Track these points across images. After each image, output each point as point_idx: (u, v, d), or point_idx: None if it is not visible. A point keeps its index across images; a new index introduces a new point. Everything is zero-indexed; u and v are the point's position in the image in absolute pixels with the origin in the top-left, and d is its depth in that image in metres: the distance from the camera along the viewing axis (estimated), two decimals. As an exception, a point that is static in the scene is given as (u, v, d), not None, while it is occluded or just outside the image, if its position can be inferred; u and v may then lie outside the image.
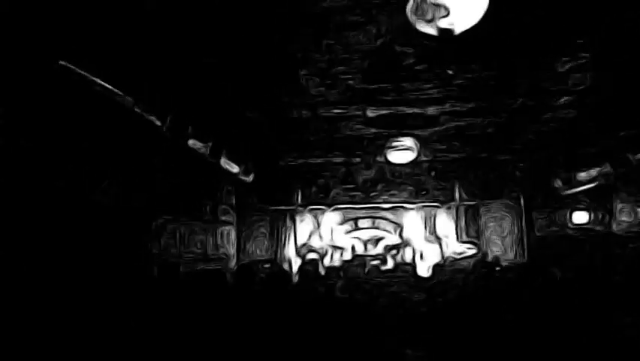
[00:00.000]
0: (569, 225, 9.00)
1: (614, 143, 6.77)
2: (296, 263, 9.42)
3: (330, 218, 9.94)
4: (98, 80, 3.98)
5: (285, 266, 9.28)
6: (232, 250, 9.19)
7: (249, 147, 7.82)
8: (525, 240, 9.31)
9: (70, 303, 3.71)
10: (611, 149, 6.91)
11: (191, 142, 5.75)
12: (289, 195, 9.65)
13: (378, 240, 9.90)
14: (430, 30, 3.12)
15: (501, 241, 9.47)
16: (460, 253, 9.42)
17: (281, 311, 3.97)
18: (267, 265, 8.50)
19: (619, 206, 8.44)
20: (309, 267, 6.82)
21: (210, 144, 6.27)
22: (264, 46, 4.27)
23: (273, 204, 9.66)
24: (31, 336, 3.26)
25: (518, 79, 5.10)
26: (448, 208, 9.81)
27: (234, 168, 7.58)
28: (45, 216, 3.85)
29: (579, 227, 8.93)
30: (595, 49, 4.38)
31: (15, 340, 3.15)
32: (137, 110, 4.55)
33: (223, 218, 8.73)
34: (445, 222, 9.87)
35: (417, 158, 7.74)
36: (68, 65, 3.53)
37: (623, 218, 8.34)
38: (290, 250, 9.69)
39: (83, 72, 3.78)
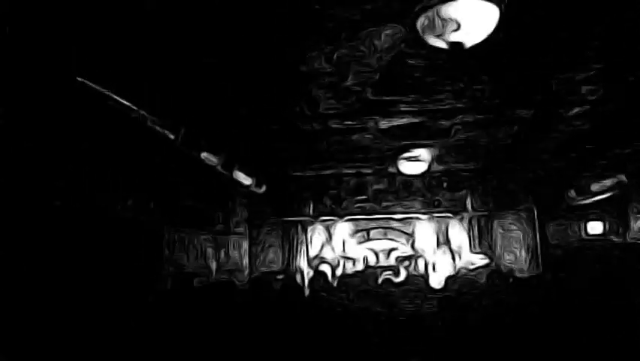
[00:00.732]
0: (584, 235, 8.92)
1: (628, 153, 6.72)
2: (308, 274, 9.41)
3: (342, 229, 9.94)
4: (112, 95, 4.04)
5: (298, 277, 9.28)
6: (245, 262, 9.21)
7: (261, 159, 7.86)
8: (539, 251, 9.24)
9: (84, 315, 3.74)
10: (625, 159, 6.86)
11: (204, 155, 5.80)
12: (301, 206, 9.67)
13: (390, 251, 9.87)
14: (440, 44, 3.14)
15: (514, 252, 9.40)
16: (473, 264, 9.36)
17: (294, 323, 3.97)
18: (279, 277, 8.50)
19: (634, 216, 8.36)
20: (321, 278, 6.80)
21: (223, 156, 6.31)
22: (276, 59, 4.30)
23: (285, 215, 9.68)
24: (42, 348, 3.28)
25: (531, 90, 5.09)
26: (461, 219, 9.76)
27: (247, 180, 7.62)
28: (59, 230, 3.89)
29: (594, 237, 8.84)
30: (608, 59, 4.37)
31: (25, 352, 3.18)
32: (150, 123, 4.61)
33: (235, 230, 8.77)
34: (458, 233, 9.82)
35: (429, 169, 7.73)
36: (84, 81, 3.59)
37: (638, 228, 8.25)
38: (302, 262, 9.69)
39: (97, 87, 3.84)
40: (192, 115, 5.28)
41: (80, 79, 3.56)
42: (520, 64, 4.44)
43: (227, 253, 8.21)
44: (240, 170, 7.16)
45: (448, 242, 9.82)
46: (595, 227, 8.80)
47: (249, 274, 9.02)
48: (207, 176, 6.57)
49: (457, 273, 8.84)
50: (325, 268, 9.39)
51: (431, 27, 3.02)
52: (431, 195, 9.59)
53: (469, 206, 9.65)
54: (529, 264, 9.23)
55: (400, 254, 9.75)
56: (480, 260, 9.38)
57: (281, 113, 5.81)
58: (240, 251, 8.99)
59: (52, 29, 3.29)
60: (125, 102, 4.21)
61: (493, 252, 9.51)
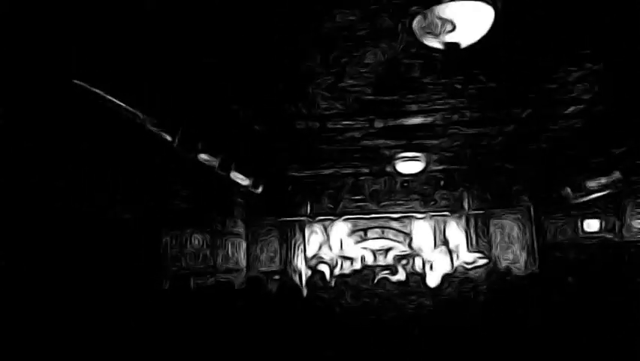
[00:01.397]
0: (580, 233, 8.95)
1: (623, 151, 6.75)
2: (306, 274, 9.42)
3: (340, 229, 9.95)
4: (109, 96, 4.04)
5: (295, 277, 9.29)
6: (242, 262, 9.22)
7: (258, 160, 7.87)
8: (536, 248, 9.27)
9: (82, 316, 3.74)
10: (620, 157, 6.89)
11: (201, 156, 5.81)
12: (298, 206, 9.68)
13: (387, 250, 9.89)
14: (436, 44, 3.15)
15: (511, 250, 9.43)
16: (470, 263, 9.38)
17: (291, 322, 3.98)
18: (277, 277, 8.52)
19: (630, 213, 8.38)
20: (318, 278, 6.81)
21: (220, 157, 6.32)
22: (273, 60, 4.31)
23: (282, 215, 9.69)
24: (42, 349, 3.29)
25: (526, 89, 5.11)
26: (458, 218, 9.79)
27: (244, 181, 7.63)
28: (57, 231, 3.89)
29: (590, 235, 8.87)
30: (603, 58, 4.39)
31: (24, 353, 3.18)
32: (147, 125, 4.61)
33: (233, 230, 8.77)
34: (455, 232, 9.84)
35: (426, 168, 7.74)
36: (81, 84, 3.59)
37: (635, 225, 8.28)
38: (300, 261, 9.71)
39: (94, 89, 3.84)
40: (189, 116, 5.28)
41: (77, 82, 3.56)
42: (516, 63, 4.46)
43: (225, 254, 8.21)
44: (238, 170, 7.16)
45: (445, 241, 9.85)
46: (591, 225, 8.83)
47: (247, 274, 9.03)
48: (205, 177, 6.58)
49: (455, 271, 8.86)
50: (323, 267, 9.40)
51: (427, 28, 3.03)
52: (428, 194, 9.61)
53: (466, 205, 9.67)
54: (526, 262, 9.26)
55: (398, 253, 9.77)
56: (477, 259, 9.41)
57: (278, 114, 5.82)
58: (238, 251, 8.99)
59: (50, 31, 3.29)
60: (122, 104, 4.21)
61: (491, 250, 9.54)
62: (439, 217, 9.86)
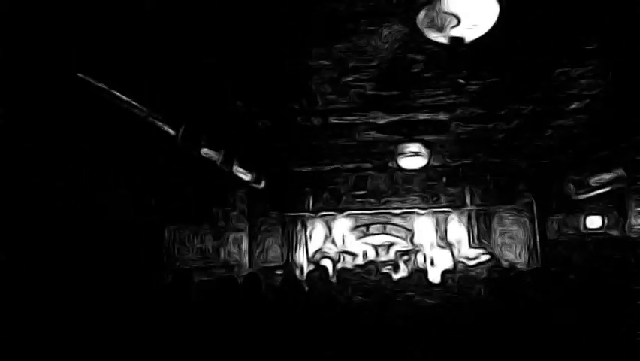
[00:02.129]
0: (582, 229, 8.93)
1: (626, 147, 6.73)
2: (308, 269, 9.43)
3: (342, 224, 9.96)
4: (113, 91, 4.04)
5: (297, 272, 9.30)
6: (244, 257, 9.23)
7: (261, 155, 7.87)
8: (538, 245, 9.26)
9: (85, 310, 3.75)
10: (624, 153, 6.87)
11: (203, 151, 5.81)
12: (301, 201, 9.68)
13: (389, 246, 9.90)
14: (441, 39, 3.14)
15: (513, 246, 9.43)
16: (472, 259, 9.38)
17: (293, 317, 3.99)
18: (279, 272, 8.52)
19: (633, 210, 8.37)
20: (320, 273, 6.81)
21: (223, 152, 6.32)
22: (275, 55, 4.31)
23: (284, 210, 9.70)
24: (44, 347, 3.30)
25: (530, 84, 5.09)
26: (460, 214, 9.78)
27: (246, 176, 7.63)
28: (60, 227, 3.90)
29: (592, 232, 8.85)
30: (607, 54, 4.37)
31: (26, 351, 3.19)
32: (150, 119, 4.61)
33: (235, 225, 8.78)
34: (457, 228, 9.84)
35: (428, 164, 7.73)
36: (84, 77, 3.59)
37: (637, 222, 8.27)
38: (302, 256, 9.72)
39: (97, 83, 3.84)
40: (193, 111, 5.29)
41: (80, 75, 3.56)
42: (520, 59, 4.45)
43: (227, 249, 8.22)
44: (240, 165, 7.17)
45: (447, 237, 9.85)
46: (594, 221, 8.81)
47: (249, 269, 9.04)
48: (207, 172, 6.58)
49: (456, 267, 8.87)
50: (325, 262, 9.41)
51: (431, 22, 3.02)
52: (430, 190, 9.61)
53: (468, 201, 9.66)
54: (528, 258, 9.26)
55: (400, 249, 9.78)
56: (479, 255, 9.41)
57: (281, 109, 5.81)
58: (240, 247, 9.01)
59: (55, 25, 3.29)
60: (125, 98, 4.21)
61: (492, 246, 9.54)
62: (441, 213, 9.86)
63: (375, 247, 9.89)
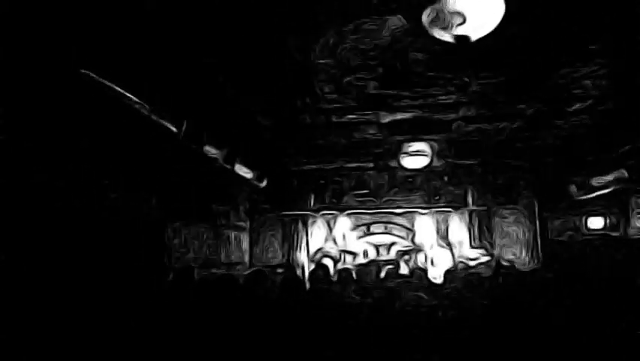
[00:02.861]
0: (584, 230, 8.92)
1: (628, 148, 6.73)
2: (308, 268, 9.43)
3: (343, 223, 9.95)
4: (115, 87, 4.03)
5: (298, 271, 9.29)
6: (245, 256, 9.23)
7: (263, 153, 7.87)
8: (539, 245, 9.25)
9: (86, 308, 3.75)
10: (626, 154, 6.87)
11: (206, 148, 5.80)
12: (302, 200, 9.67)
13: (390, 245, 9.88)
14: (446, 37, 3.13)
15: (515, 247, 9.42)
16: (473, 259, 9.37)
17: (294, 316, 3.98)
18: (279, 271, 8.52)
19: (634, 211, 8.36)
20: (321, 272, 6.81)
21: (225, 150, 6.32)
22: (278, 53, 4.30)
23: (286, 209, 9.68)
24: (44, 346, 3.29)
25: (532, 85, 5.09)
26: (461, 214, 9.77)
27: (248, 174, 7.62)
28: (62, 224, 3.89)
29: (594, 232, 8.85)
30: (610, 54, 4.37)
31: (26, 349, 3.19)
32: (153, 117, 4.61)
33: (236, 223, 8.78)
34: (458, 228, 9.83)
35: (430, 163, 7.73)
36: (87, 73, 3.59)
37: (639, 223, 8.26)
38: (303, 255, 9.71)
39: (100, 79, 3.84)
40: (195, 108, 5.28)
41: (83, 71, 3.56)
42: (523, 59, 4.44)
43: (228, 247, 8.22)
44: (242, 164, 7.16)
45: (448, 237, 9.84)
46: (595, 222, 8.81)
47: (250, 268, 9.03)
48: (209, 170, 6.58)
49: (457, 267, 8.86)
50: (326, 262, 9.40)
51: (437, 20, 3.01)
52: (432, 189, 9.60)
53: (469, 201, 9.65)
54: (530, 258, 9.24)
55: (401, 248, 9.77)
56: (480, 255, 9.40)
57: (283, 107, 5.81)
58: (241, 245, 9.00)
59: (56, 22, 3.29)
60: (128, 95, 4.20)
61: (494, 246, 9.52)
62: (442, 213, 9.84)
63: (376, 247, 9.87)
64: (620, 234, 8.60)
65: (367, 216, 9.93)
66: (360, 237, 9.96)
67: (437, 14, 2.96)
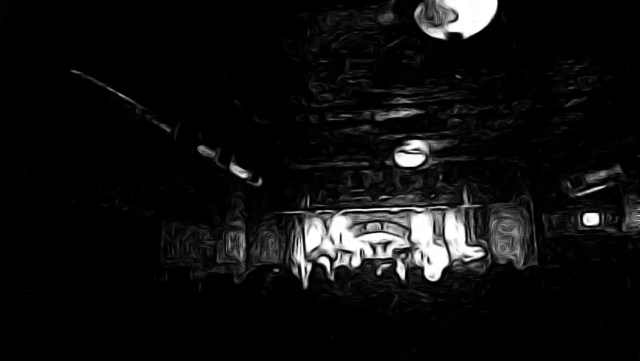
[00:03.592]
0: (580, 227, 8.94)
1: (624, 144, 6.74)
2: (305, 267, 9.42)
3: (339, 222, 9.94)
4: (109, 88, 4.02)
5: (295, 270, 9.28)
6: (241, 255, 9.21)
7: (258, 153, 7.85)
8: (535, 242, 9.27)
9: (81, 308, 3.73)
10: (621, 150, 6.88)
11: (200, 148, 5.78)
12: (298, 199, 9.66)
13: (386, 243, 9.88)
14: (438, 34, 3.12)
15: (511, 244, 9.43)
16: (469, 257, 9.38)
17: (291, 316, 3.97)
18: (276, 270, 8.50)
19: (630, 208, 8.38)
20: (317, 271, 6.80)
21: (219, 149, 6.30)
22: (271, 52, 4.29)
23: (281, 208, 9.67)
24: (38, 343, 3.27)
25: (527, 82, 5.09)
26: (457, 211, 9.78)
27: (243, 174, 7.60)
28: (56, 224, 3.88)
29: (590, 229, 8.87)
30: (604, 51, 4.37)
31: (22, 347, 3.17)
32: (147, 117, 4.59)
33: (232, 223, 8.76)
34: (454, 226, 9.83)
35: (425, 161, 7.72)
36: (79, 74, 3.56)
37: (634, 220, 8.28)
38: (299, 255, 9.70)
39: (93, 80, 3.82)
40: (189, 108, 5.26)
41: (75, 71, 3.54)
42: (516, 56, 4.44)
43: (224, 247, 8.20)
44: (237, 163, 7.14)
45: (444, 235, 9.84)
46: (591, 219, 8.83)
47: (246, 268, 9.02)
48: (204, 169, 6.56)
49: (454, 265, 8.86)
50: (322, 260, 9.40)
51: (429, 17, 3.00)
52: (428, 187, 9.60)
53: (465, 198, 9.66)
54: (526, 256, 9.25)
55: (397, 247, 9.77)
56: (476, 252, 9.41)
57: (278, 106, 5.80)
58: (237, 244, 8.98)
59: (48, 23, 3.27)
60: (121, 96, 4.19)
61: (490, 244, 9.53)
62: (438, 211, 9.85)
63: (373, 245, 9.87)
64: (616, 230, 8.61)
65: (363, 215, 9.92)
66: (356, 235, 9.95)
67: (429, 11, 2.95)
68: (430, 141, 7.25)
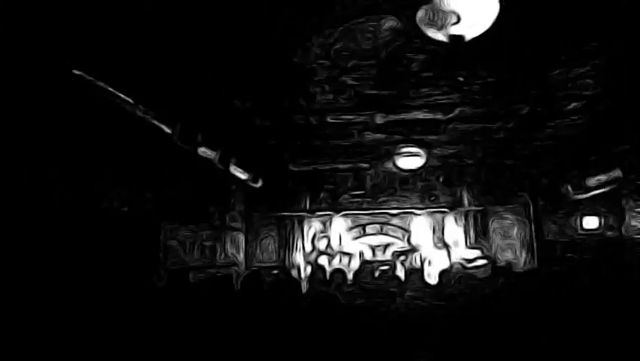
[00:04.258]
0: (579, 230, 8.94)
1: (623, 148, 6.74)
2: (304, 269, 9.42)
3: (339, 224, 9.94)
4: (109, 88, 4.02)
5: (294, 272, 9.28)
6: (241, 257, 9.21)
7: (258, 154, 7.85)
8: (535, 245, 9.27)
9: (80, 310, 3.72)
10: (621, 153, 6.88)
11: (200, 149, 5.78)
12: (297, 201, 9.66)
13: (386, 246, 9.88)
14: (440, 37, 3.12)
15: (510, 247, 9.43)
16: (469, 259, 9.38)
17: (290, 317, 3.96)
18: (275, 271, 8.50)
19: (630, 211, 8.38)
20: (317, 273, 6.80)
21: (219, 151, 6.30)
22: (272, 53, 4.29)
23: (281, 210, 9.67)
24: (38, 345, 3.27)
25: (527, 84, 5.09)
26: (457, 214, 9.78)
27: (243, 175, 7.61)
28: (55, 225, 3.87)
29: (589, 232, 8.87)
30: (605, 54, 4.37)
31: (21, 348, 3.17)
32: (147, 118, 4.59)
33: (232, 224, 8.76)
34: (454, 228, 9.83)
35: (425, 164, 7.73)
36: (80, 74, 3.56)
37: (634, 223, 8.28)
38: (298, 256, 9.69)
39: (94, 80, 3.82)
40: (189, 109, 5.26)
41: (76, 71, 3.53)
42: (517, 59, 4.44)
43: (223, 248, 8.20)
44: (237, 164, 7.14)
45: (444, 237, 9.84)
46: (591, 222, 8.83)
47: (246, 269, 9.01)
48: (204, 170, 6.55)
49: (454, 268, 8.85)
50: (321, 262, 9.40)
51: (431, 20, 3.00)
52: (427, 190, 9.60)
53: (465, 201, 9.66)
54: (525, 258, 9.25)
55: (397, 249, 9.76)
56: (476, 255, 9.41)
57: (278, 108, 5.79)
58: (237, 246, 8.98)
59: (49, 23, 3.27)
60: (121, 96, 4.18)
61: (490, 246, 9.53)
62: (438, 214, 9.85)
63: (372, 248, 9.87)
64: (616, 233, 8.61)
65: (363, 217, 9.93)
66: (356, 238, 9.95)
67: (431, 14, 2.95)
68: (430, 144, 7.25)
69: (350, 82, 4.96)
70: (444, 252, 9.68)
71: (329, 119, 6.18)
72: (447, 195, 9.68)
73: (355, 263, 9.42)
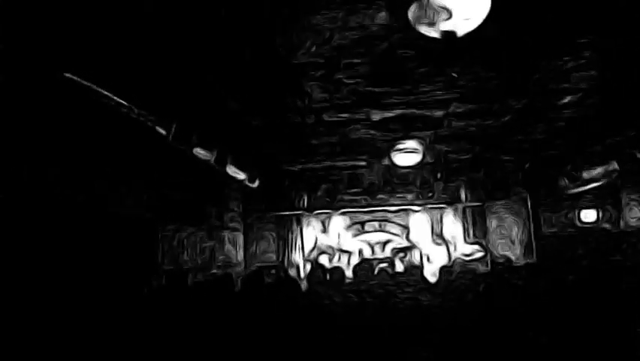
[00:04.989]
0: (577, 223, 8.96)
1: (620, 140, 6.74)
2: (303, 268, 9.42)
3: (337, 222, 9.95)
4: (103, 91, 4.01)
5: (293, 271, 9.28)
6: (240, 257, 9.21)
7: (254, 154, 7.84)
8: (533, 240, 9.28)
9: (79, 311, 3.72)
10: (617, 146, 6.88)
11: (196, 150, 5.77)
12: (295, 200, 9.67)
13: (385, 243, 9.89)
14: (432, 33, 3.12)
15: (508, 242, 9.45)
16: (468, 255, 9.40)
17: (289, 316, 3.96)
18: (274, 271, 8.50)
19: (626, 203, 8.40)
20: (316, 271, 6.80)
21: (215, 151, 6.29)
22: (267, 52, 4.28)
23: (279, 209, 9.68)
24: (37, 345, 3.27)
25: (522, 79, 5.09)
26: (455, 210, 9.79)
27: (240, 175, 7.60)
28: (53, 226, 3.87)
29: (587, 226, 8.89)
30: (599, 47, 4.37)
31: (20, 348, 3.16)
32: (142, 119, 4.58)
33: (230, 224, 8.75)
34: (452, 224, 9.85)
35: (422, 160, 7.73)
36: (73, 77, 3.55)
37: (632, 216, 8.30)
38: (297, 255, 9.70)
39: (88, 83, 3.81)
40: (184, 110, 5.25)
41: (68, 75, 3.53)
42: (512, 53, 4.43)
43: (222, 248, 8.19)
44: (234, 164, 7.13)
45: (442, 233, 9.85)
46: (588, 215, 8.85)
47: (244, 269, 9.02)
48: (200, 171, 6.55)
49: (452, 263, 8.88)
50: (320, 261, 9.41)
51: (423, 16, 3.00)
52: (425, 186, 9.61)
53: (462, 196, 9.68)
54: (523, 253, 9.28)
55: (396, 246, 9.78)
56: (474, 250, 9.43)
57: (273, 107, 5.79)
58: (235, 246, 8.98)
59: (41, 25, 3.26)
60: (116, 98, 4.18)
61: (488, 242, 9.55)
62: (436, 210, 9.86)
63: (371, 245, 9.88)
64: (614, 226, 8.63)
65: (361, 215, 9.94)
66: (354, 235, 9.96)
67: (423, 10, 2.95)
68: (426, 140, 7.25)
69: (345, 80, 4.95)
70: (443, 248, 9.70)
71: (325, 118, 6.17)
72: (445, 191, 9.70)
73: (354, 261, 9.43)
